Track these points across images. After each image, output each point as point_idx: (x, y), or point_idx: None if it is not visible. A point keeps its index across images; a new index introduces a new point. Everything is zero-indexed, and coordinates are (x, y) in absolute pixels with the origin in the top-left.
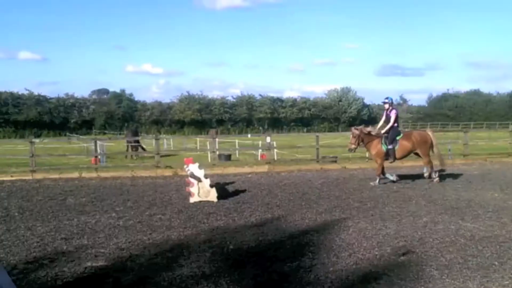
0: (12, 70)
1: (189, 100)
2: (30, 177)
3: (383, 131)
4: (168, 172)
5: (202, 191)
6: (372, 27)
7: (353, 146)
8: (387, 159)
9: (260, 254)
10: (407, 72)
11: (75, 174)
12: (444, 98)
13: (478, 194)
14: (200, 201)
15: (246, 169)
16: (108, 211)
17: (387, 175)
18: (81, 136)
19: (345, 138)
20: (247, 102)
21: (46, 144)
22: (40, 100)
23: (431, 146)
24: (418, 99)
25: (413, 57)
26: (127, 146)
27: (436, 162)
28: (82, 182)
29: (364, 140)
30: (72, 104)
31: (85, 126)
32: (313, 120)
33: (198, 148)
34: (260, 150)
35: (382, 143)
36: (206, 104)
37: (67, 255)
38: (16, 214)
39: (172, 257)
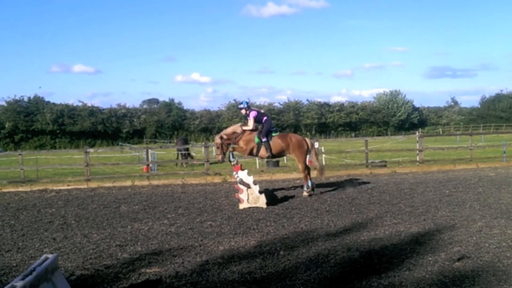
0: (67, 83)
1: (236, 107)
2: (85, 186)
3: (245, 128)
4: (217, 179)
5: (251, 198)
6: (420, 29)
7: (220, 156)
8: (255, 154)
9: (310, 260)
10: (458, 74)
11: (128, 182)
12: (498, 99)
13: None
14: (250, 207)
15: (295, 175)
16: (160, 218)
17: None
18: (133, 145)
19: (394, 142)
20: (294, 107)
21: (100, 153)
22: (93, 111)
23: (308, 153)
24: (470, 101)
25: (463, 58)
26: (177, 154)
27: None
28: (134, 190)
29: (231, 140)
30: (124, 114)
31: (137, 135)
32: (362, 124)
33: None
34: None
35: (255, 136)
36: None
37: (121, 262)
38: (73, 222)
39: (223, 263)
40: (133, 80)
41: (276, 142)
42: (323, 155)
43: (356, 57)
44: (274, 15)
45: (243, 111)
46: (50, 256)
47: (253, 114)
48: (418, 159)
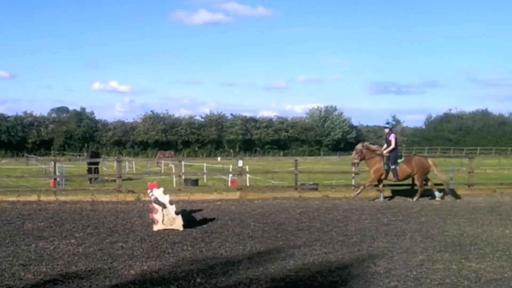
0: None
1: (153, 119)
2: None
3: (385, 152)
4: (130, 197)
5: (166, 219)
6: (362, 40)
7: (355, 160)
8: (385, 177)
9: None
10: (403, 90)
11: (34, 197)
12: (446, 118)
13: (485, 229)
14: (165, 229)
15: (215, 196)
16: (67, 237)
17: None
18: (39, 157)
19: (328, 163)
20: (217, 122)
21: (3, 164)
22: None
23: (428, 172)
24: (416, 120)
25: (409, 73)
26: (89, 168)
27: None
28: (40, 206)
29: (366, 156)
30: (31, 123)
31: (44, 146)
32: (291, 142)
33: (162, 171)
34: (230, 175)
35: (384, 163)
36: (171, 124)
37: (24, 282)
38: None
39: None
40: (48, 86)
41: (402, 168)
42: (247, 175)
43: (292, 68)
44: (206, 23)
45: (386, 130)
46: None
47: (393, 136)
48: (353, 182)
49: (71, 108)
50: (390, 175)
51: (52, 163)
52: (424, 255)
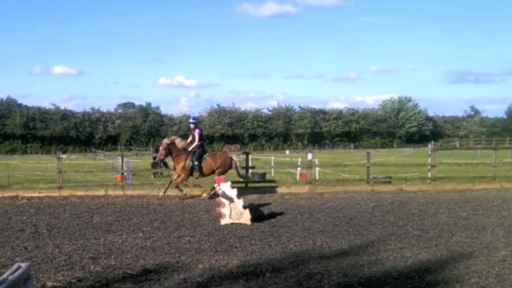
0: (48, 85)
1: (219, 113)
2: (57, 194)
3: (190, 148)
4: (196, 191)
5: (234, 213)
6: (437, 28)
7: (161, 156)
8: (192, 174)
9: (300, 284)
10: (481, 79)
11: (101, 192)
12: None
13: None
14: (232, 223)
15: (283, 189)
16: (134, 230)
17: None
18: (106, 152)
19: (401, 155)
20: (285, 115)
21: (72, 160)
22: (66, 115)
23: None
24: (495, 110)
25: (488, 61)
26: (154, 163)
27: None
28: (108, 200)
29: (173, 152)
30: (98, 119)
31: (111, 142)
32: (362, 134)
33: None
34: (299, 169)
35: (189, 160)
36: (238, 118)
37: (94, 275)
38: (45, 231)
39: (203, 282)
40: (115, 83)
41: (208, 162)
42: (317, 168)
43: (363, 59)
44: (274, 15)
45: (192, 126)
46: (23, 265)
47: (198, 131)
48: (429, 175)
49: (137, 103)
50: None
51: (119, 158)
52: (507, 250)
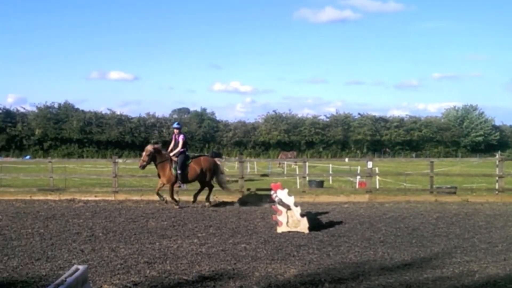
0: (104, 90)
1: (275, 119)
2: (113, 198)
3: (172, 154)
4: (252, 198)
5: (291, 221)
6: (504, 34)
7: (143, 163)
8: (175, 182)
9: None
10: None
11: (156, 197)
12: None
13: None
14: (289, 232)
15: (342, 198)
16: (190, 236)
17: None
18: None
19: (467, 165)
20: (343, 122)
21: (128, 164)
22: (121, 120)
23: (215, 173)
24: None
25: None
26: None
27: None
28: (163, 205)
29: (156, 159)
30: (153, 124)
31: (165, 147)
32: (425, 143)
33: (285, 172)
34: (358, 177)
35: (172, 168)
36: (294, 124)
37: (149, 280)
38: (101, 234)
39: None
40: (170, 88)
41: (193, 168)
42: (377, 177)
43: (425, 66)
44: (332, 20)
45: (176, 131)
46: (80, 267)
47: (182, 137)
48: (497, 186)
49: (192, 109)
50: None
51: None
52: None
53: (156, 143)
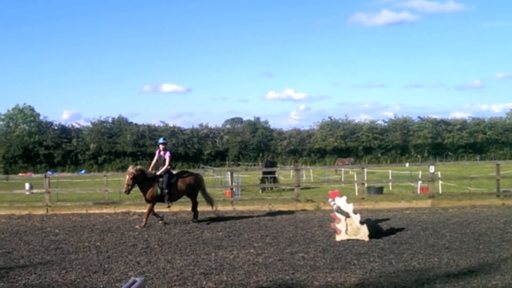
0: (156, 103)
1: (331, 126)
2: (167, 210)
3: (158, 173)
4: (309, 206)
5: (350, 228)
6: None
7: (129, 186)
8: (161, 201)
9: None
10: None
11: (210, 208)
12: None
13: None
14: (348, 240)
15: (403, 204)
16: (246, 246)
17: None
18: (215, 168)
19: None
20: (402, 126)
21: None
22: (174, 132)
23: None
24: None
25: None
26: (263, 178)
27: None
28: (218, 215)
29: (140, 181)
30: (206, 135)
31: (219, 157)
32: (489, 145)
33: (342, 179)
34: (420, 182)
35: (158, 187)
36: (351, 130)
37: None
38: (156, 246)
39: None
40: (223, 98)
41: (179, 187)
42: (440, 182)
43: (488, 66)
44: (389, 23)
45: (161, 146)
46: (138, 279)
47: (169, 154)
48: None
49: (245, 118)
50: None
51: (228, 173)
52: None
53: (136, 164)
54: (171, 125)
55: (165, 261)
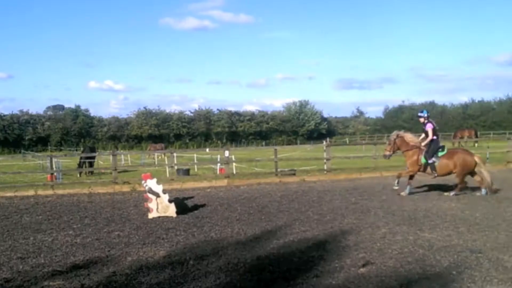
0: None
1: (146, 115)
2: None
3: (423, 143)
4: (126, 188)
5: (160, 207)
6: (329, 41)
7: (387, 153)
8: (423, 171)
9: (220, 269)
10: (364, 86)
11: (31, 192)
12: (400, 110)
13: (435, 204)
14: (159, 217)
15: (205, 184)
16: (65, 228)
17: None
18: (36, 153)
19: (303, 151)
20: (205, 116)
21: (0, 161)
22: None
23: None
24: (375, 111)
25: (369, 71)
26: (80, 162)
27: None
28: (38, 200)
29: (401, 147)
30: (27, 121)
31: (41, 143)
32: (272, 133)
33: (156, 163)
34: (218, 164)
35: (422, 156)
36: (163, 119)
37: (22, 275)
38: None
39: (131, 273)
40: (46, 86)
41: (443, 163)
42: (234, 164)
43: (271, 68)
44: (194, 28)
45: (421, 119)
46: None
47: (430, 125)
48: (325, 167)
49: (67, 106)
50: (429, 169)
51: (49, 158)
52: (386, 228)
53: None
54: None
55: None
